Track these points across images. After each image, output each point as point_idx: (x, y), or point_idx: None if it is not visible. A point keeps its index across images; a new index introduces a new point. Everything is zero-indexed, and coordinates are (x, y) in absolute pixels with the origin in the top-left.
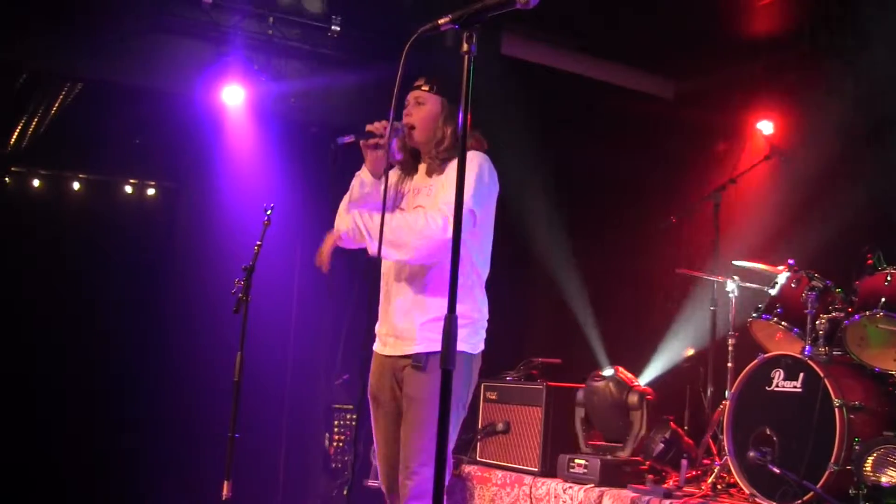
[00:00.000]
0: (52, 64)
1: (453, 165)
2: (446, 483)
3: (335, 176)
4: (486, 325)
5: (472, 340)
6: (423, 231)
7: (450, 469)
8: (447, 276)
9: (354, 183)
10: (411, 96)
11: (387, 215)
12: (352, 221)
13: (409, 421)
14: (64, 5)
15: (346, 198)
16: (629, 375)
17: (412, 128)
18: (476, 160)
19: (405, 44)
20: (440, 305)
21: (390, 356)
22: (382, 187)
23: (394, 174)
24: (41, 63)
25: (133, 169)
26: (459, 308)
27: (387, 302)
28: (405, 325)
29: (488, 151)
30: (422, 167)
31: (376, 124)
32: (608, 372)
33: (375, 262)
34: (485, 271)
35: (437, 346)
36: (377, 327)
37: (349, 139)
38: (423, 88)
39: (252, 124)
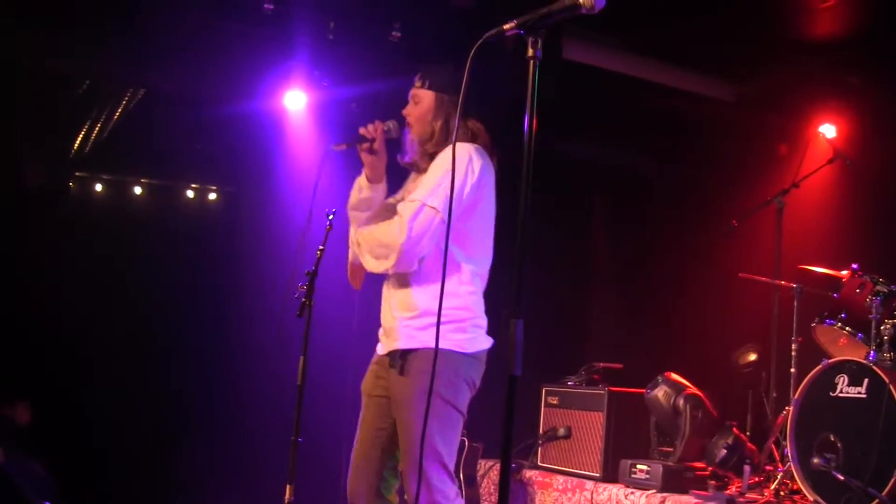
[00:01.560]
0: (115, 70)
1: (437, 157)
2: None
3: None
4: (481, 323)
5: (456, 337)
6: (387, 240)
7: (439, 480)
8: (434, 270)
9: (353, 188)
10: (410, 94)
11: (363, 227)
12: (350, 250)
13: (398, 429)
14: (127, 11)
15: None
16: (680, 380)
17: (410, 126)
18: (447, 151)
19: (469, 49)
20: (424, 301)
21: (380, 355)
22: (372, 193)
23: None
24: (104, 69)
25: (194, 173)
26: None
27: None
28: (390, 322)
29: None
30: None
31: (368, 127)
32: (660, 378)
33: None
34: (476, 267)
35: (416, 344)
36: None
37: (341, 146)
38: (416, 85)
39: (314, 129)
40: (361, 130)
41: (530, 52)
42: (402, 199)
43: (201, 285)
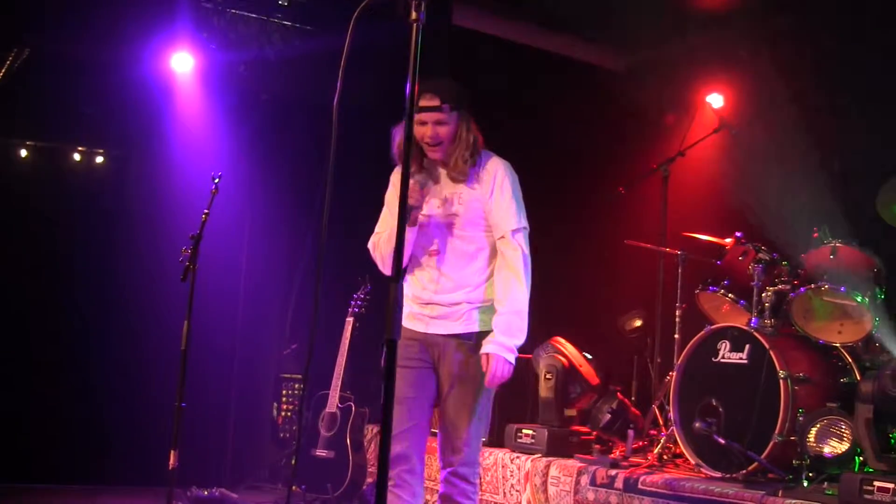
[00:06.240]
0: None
1: (478, 173)
2: None
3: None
4: None
5: None
6: (525, 284)
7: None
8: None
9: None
10: (429, 118)
11: (511, 314)
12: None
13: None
14: None
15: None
16: (561, 347)
17: (438, 144)
18: (501, 173)
19: (354, 12)
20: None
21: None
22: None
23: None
24: None
25: (81, 136)
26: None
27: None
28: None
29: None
30: (443, 172)
31: (414, 195)
32: (544, 344)
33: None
34: None
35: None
36: None
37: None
38: (436, 108)
39: (201, 92)
40: (410, 202)
41: (413, 15)
42: (454, 207)
43: (87, 249)
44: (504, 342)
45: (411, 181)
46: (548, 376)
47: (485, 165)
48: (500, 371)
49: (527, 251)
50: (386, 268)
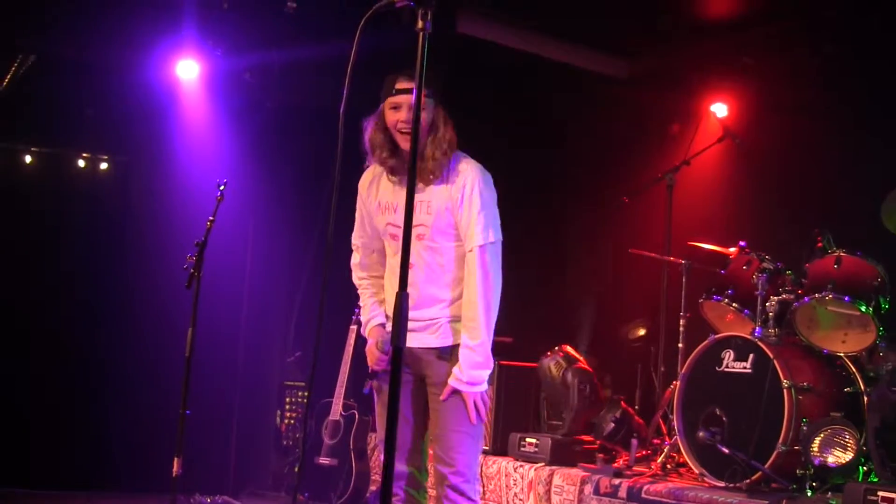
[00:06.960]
0: (4, 35)
1: (449, 175)
2: None
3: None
4: None
5: None
6: (489, 310)
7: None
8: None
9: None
10: (405, 101)
11: (475, 349)
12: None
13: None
14: None
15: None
16: (574, 354)
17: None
18: (473, 179)
19: (360, 20)
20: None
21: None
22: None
23: (369, 179)
24: None
25: (86, 142)
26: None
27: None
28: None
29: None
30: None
31: (377, 364)
32: (556, 350)
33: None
34: None
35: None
36: None
37: (370, 385)
38: (424, 95)
39: (206, 99)
40: (377, 368)
41: (420, 23)
42: (395, 208)
43: (92, 255)
44: (473, 377)
45: (371, 342)
46: (581, 386)
47: (457, 167)
48: (479, 403)
49: (492, 269)
50: None
